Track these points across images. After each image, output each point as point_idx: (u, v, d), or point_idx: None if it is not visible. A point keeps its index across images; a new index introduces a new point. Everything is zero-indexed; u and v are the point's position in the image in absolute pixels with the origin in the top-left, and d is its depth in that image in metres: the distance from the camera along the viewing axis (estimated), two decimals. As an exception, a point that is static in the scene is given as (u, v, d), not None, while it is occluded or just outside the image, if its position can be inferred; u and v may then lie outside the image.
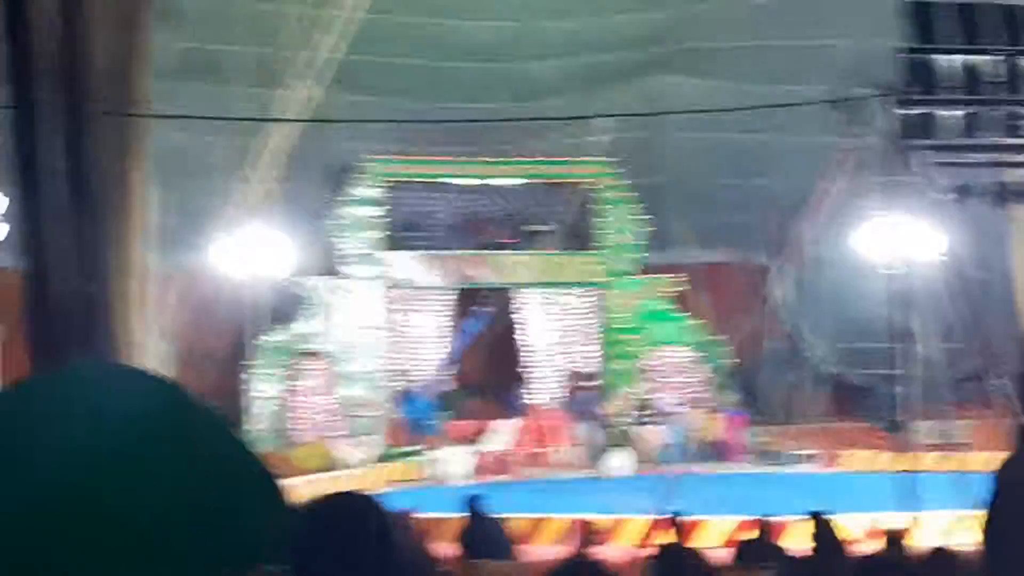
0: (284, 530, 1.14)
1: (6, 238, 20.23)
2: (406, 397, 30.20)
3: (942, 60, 14.30)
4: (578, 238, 33.10)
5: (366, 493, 3.00)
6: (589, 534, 15.01)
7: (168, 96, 27.78)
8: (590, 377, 30.66)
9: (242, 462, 1.12)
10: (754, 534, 13.78)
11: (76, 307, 8.12)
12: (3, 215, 20.33)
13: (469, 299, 31.81)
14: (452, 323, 32.13)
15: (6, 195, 19.67)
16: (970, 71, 14.35)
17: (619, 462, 26.83)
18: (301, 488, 22.83)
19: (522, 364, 32.50)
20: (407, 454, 28.25)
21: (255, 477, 1.11)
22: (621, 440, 29.88)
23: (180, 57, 28.01)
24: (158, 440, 1.06)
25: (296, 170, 30.06)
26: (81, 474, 1.04)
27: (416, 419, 29.25)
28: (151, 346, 24.40)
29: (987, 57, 14.43)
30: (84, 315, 8.20)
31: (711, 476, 26.06)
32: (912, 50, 14.51)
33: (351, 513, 2.92)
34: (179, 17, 27.98)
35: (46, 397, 1.13)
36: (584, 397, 29.16)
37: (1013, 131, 14.61)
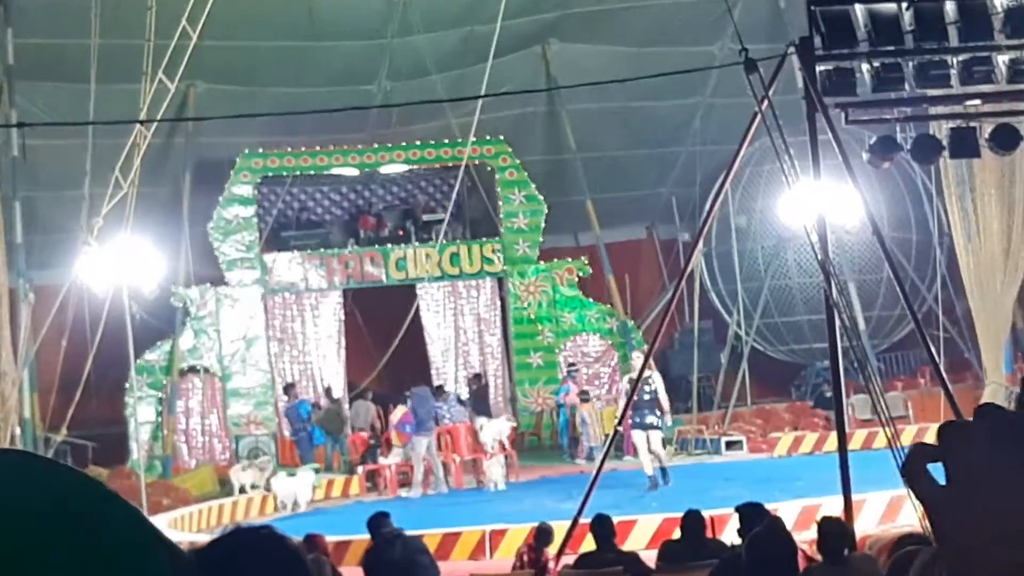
0: None
1: None
2: (297, 411, 29.71)
3: (856, 11, 14.49)
4: (475, 225, 33.19)
5: (268, 527, 2.83)
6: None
7: (16, 99, 27.62)
8: (481, 378, 31.15)
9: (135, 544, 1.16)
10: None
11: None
12: None
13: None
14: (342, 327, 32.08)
15: None
16: (885, 21, 14.56)
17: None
18: (192, 517, 22.76)
19: (427, 364, 32.48)
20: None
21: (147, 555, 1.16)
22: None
23: (24, 55, 27.71)
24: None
25: (162, 172, 29.84)
26: None
27: (308, 435, 29.00)
28: (10, 373, 24.19)
29: (897, 4, 14.66)
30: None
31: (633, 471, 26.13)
32: (822, 1, 14.65)
33: (253, 552, 2.65)
34: (20, 14, 27.72)
35: None
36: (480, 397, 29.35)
37: (936, 81, 14.83)
